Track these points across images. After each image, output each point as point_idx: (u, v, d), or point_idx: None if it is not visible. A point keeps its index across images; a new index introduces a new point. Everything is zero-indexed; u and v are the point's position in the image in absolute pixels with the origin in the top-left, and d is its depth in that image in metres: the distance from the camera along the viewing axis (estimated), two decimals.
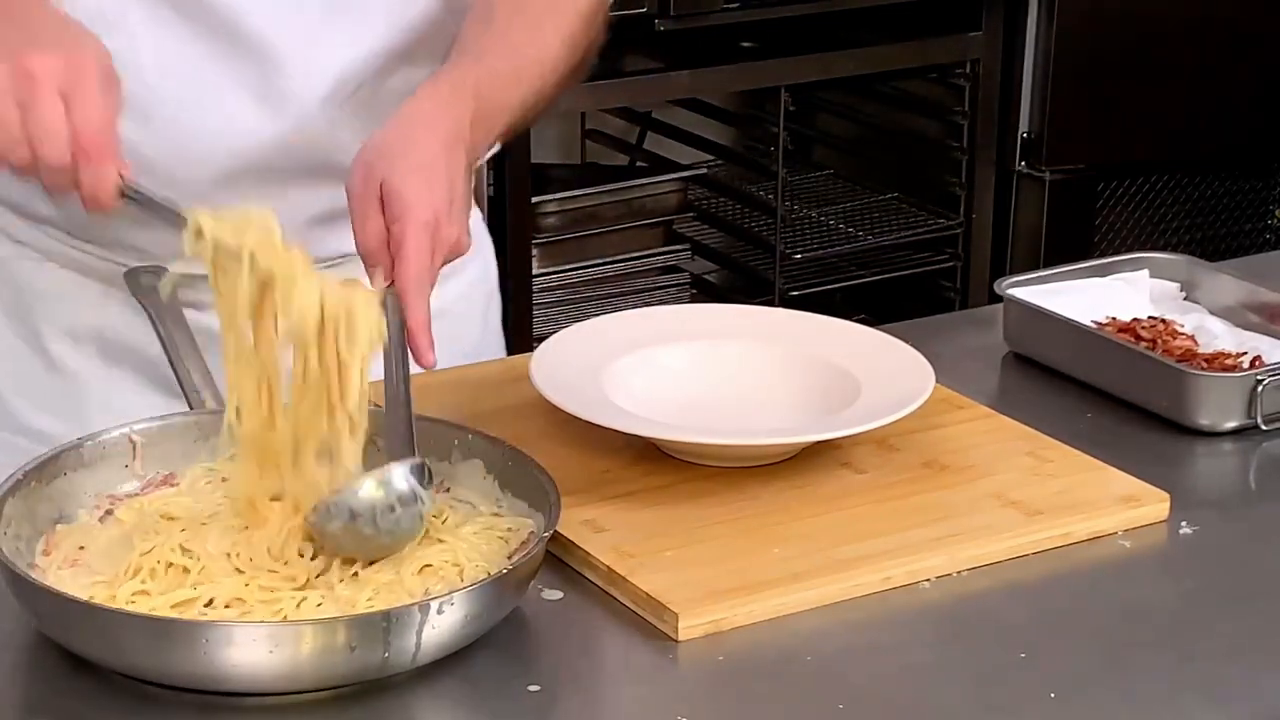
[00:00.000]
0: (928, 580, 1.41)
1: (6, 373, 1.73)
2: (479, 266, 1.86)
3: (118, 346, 1.70)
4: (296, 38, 1.61)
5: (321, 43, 1.62)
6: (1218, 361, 1.70)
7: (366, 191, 1.44)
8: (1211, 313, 1.81)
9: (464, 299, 1.82)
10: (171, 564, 1.32)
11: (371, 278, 1.43)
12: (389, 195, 1.43)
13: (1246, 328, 1.78)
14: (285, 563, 1.33)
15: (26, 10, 1.42)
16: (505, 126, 1.59)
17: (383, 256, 1.43)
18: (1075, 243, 3.47)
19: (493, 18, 1.61)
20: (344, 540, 1.34)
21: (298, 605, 1.29)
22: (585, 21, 1.66)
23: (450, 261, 1.46)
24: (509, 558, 1.35)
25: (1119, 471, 1.54)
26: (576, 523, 1.42)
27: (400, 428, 1.41)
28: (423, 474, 1.35)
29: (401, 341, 1.42)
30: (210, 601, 1.29)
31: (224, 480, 1.44)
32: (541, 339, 1.69)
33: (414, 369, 1.43)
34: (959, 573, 1.42)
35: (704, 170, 3.62)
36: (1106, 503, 1.50)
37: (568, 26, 1.64)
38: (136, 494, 1.43)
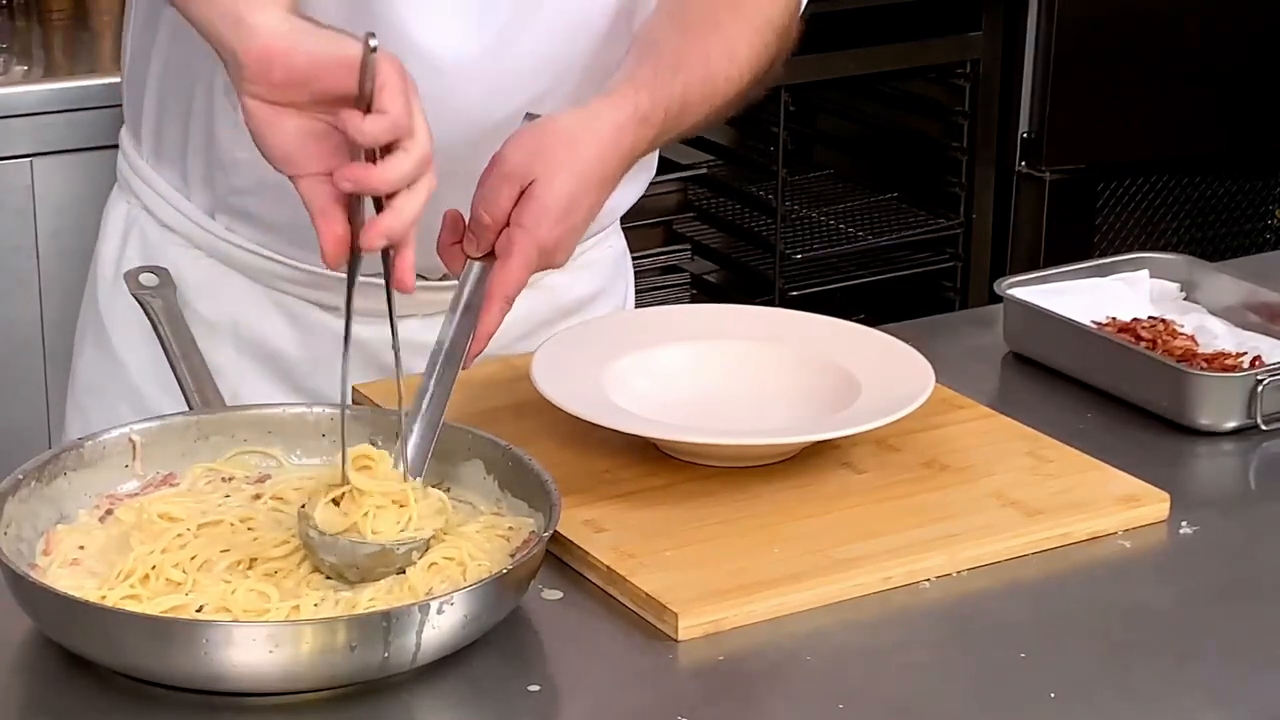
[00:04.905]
0: (928, 580, 1.41)
1: (140, 356, 1.73)
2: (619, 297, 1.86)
3: (251, 340, 1.70)
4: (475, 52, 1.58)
5: (504, 60, 1.59)
6: (1218, 361, 1.70)
7: (513, 174, 1.45)
8: (1211, 313, 1.81)
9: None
10: (166, 578, 1.31)
11: (465, 242, 1.47)
12: (530, 199, 1.45)
13: (1246, 328, 1.77)
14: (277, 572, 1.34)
15: None
16: (669, 142, 1.58)
17: (488, 234, 1.46)
18: (1075, 243, 3.46)
19: (688, 23, 1.58)
20: (325, 566, 1.34)
21: (288, 613, 1.29)
22: (777, 35, 1.62)
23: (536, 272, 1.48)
24: (510, 557, 1.35)
25: (1119, 471, 1.54)
26: (576, 523, 1.42)
27: (424, 435, 1.42)
28: (427, 544, 1.35)
29: (464, 338, 1.45)
30: (201, 608, 1.29)
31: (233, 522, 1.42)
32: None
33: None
34: (959, 573, 1.42)
35: (704, 170, 3.62)
36: (1106, 503, 1.50)
37: (760, 42, 1.60)
38: (136, 494, 1.43)
